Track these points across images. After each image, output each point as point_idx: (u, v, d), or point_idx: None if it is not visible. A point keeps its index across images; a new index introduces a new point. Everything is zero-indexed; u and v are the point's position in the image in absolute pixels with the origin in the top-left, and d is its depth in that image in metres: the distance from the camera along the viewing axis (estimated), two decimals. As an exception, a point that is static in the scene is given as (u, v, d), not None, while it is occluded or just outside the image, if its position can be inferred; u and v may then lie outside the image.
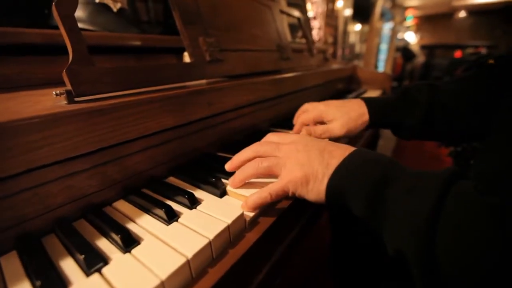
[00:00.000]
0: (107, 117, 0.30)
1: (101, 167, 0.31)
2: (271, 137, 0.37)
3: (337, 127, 0.48)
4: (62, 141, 0.26)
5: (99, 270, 0.22)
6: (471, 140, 0.52)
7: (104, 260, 0.23)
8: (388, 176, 0.26)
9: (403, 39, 5.55)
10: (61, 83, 0.31)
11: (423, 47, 5.56)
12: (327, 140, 0.35)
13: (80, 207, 0.30)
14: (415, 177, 0.26)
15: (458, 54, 5.83)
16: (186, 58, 0.53)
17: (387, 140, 2.18)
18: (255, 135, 0.52)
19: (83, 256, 0.22)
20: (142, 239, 0.25)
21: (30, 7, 0.56)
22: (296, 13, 0.93)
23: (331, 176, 0.28)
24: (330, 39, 2.55)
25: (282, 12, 0.82)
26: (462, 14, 6.99)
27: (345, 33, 2.84)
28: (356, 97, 1.04)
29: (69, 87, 0.30)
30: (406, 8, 7.06)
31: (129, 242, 0.24)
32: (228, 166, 0.36)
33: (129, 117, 0.32)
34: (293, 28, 1.30)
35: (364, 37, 3.37)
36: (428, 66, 5.78)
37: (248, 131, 0.56)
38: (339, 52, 2.74)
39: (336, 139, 0.49)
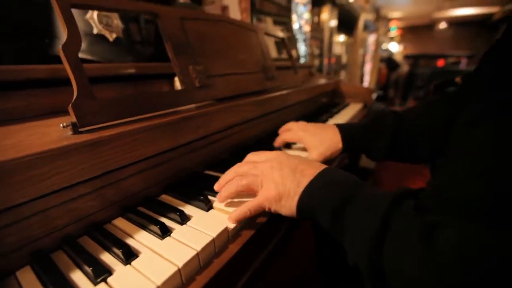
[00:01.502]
0: (109, 146, 0.34)
1: (101, 190, 0.36)
2: (250, 156, 0.42)
3: (315, 157, 0.53)
4: (69, 169, 0.31)
5: (105, 280, 0.26)
6: (436, 159, 0.57)
7: (108, 271, 0.27)
8: (350, 195, 0.31)
9: (387, 50, 5.76)
10: (65, 112, 0.36)
11: (407, 57, 5.79)
12: (300, 157, 0.40)
13: (84, 226, 0.34)
14: (371, 196, 0.30)
15: (440, 63, 6.09)
16: (177, 82, 0.59)
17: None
18: (241, 152, 0.57)
19: (91, 268, 0.26)
20: (140, 252, 0.30)
21: (31, 36, 0.60)
22: (280, 34, 1.00)
23: (301, 194, 0.33)
24: (317, 51, 2.65)
25: (267, 34, 0.89)
26: (443, 25, 7.33)
27: (331, 44, 2.95)
28: (343, 108, 1.10)
29: (74, 119, 0.35)
30: (389, 19, 7.35)
31: (129, 255, 0.29)
32: (216, 187, 0.41)
33: (127, 145, 0.37)
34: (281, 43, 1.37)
35: (350, 48, 3.51)
36: (411, 76, 6.01)
37: (234, 149, 0.61)
38: (326, 61, 2.85)
39: None
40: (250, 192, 0.39)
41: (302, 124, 0.60)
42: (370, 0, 4.36)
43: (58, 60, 0.52)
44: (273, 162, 0.38)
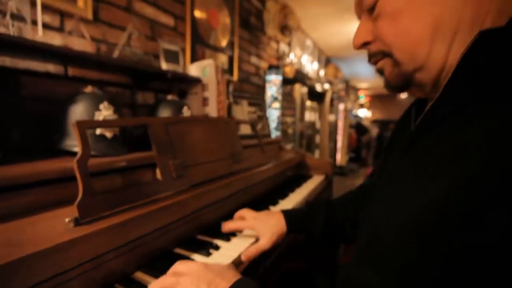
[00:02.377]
0: (104, 235, 0.46)
1: (88, 273, 0.46)
2: (177, 266, 0.47)
3: (265, 243, 0.62)
4: (75, 253, 0.42)
5: None
6: None
7: None
8: None
9: (357, 116, 6.41)
10: (68, 202, 0.48)
11: (373, 122, 6.43)
12: (220, 268, 0.46)
13: None
14: None
15: (405, 127, 6.78)
16: (158, 172, 0.73)
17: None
18: (211, 229, 0.69)
19: None
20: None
21: (42, 132, 0.75)
22: (249, 118, 1.21)
23: None
24: (291, 120, 2.97)
25: (237, 123, 1.09)
26: (404, 95, 8.38)
27: (303, 111, 3.31)
28: (305, 182, 1.24)
29: (77, 215, 0.47)
30: (358, 89, 8.35)
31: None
32: None
33: (117, 233, 0.49)
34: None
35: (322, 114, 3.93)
36: (381, 138, 6.60)
37: (204, 227, 0.73)
38: (299, 126, 3.15)
39: None
40: None
41: (253, 213, 0.70)
42: (339, 74, 5.07)
43: (64, 153, 0.66)
44: (193, 277, 0.43)
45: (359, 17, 0.43)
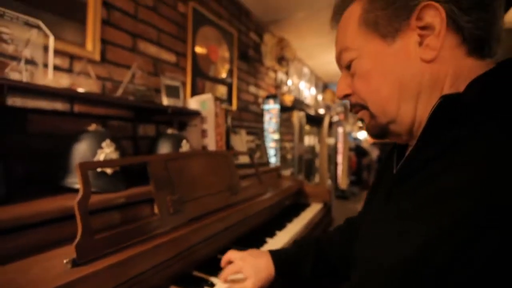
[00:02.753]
0: (101, 276, 0.48)
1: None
2: None
3: (250, 286, 0.60)
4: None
5: None
6: None
7: None
8: None
9: (357, 138, 6.47)
10: (67, 241, 0.49)
11: (373, 144, 6.47)
12: None
13: None
14: None
15: (405, 149, 6.80)
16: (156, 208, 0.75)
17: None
18: (207, 265, 0.70)
19: None
20: None
21: (46, 169, 0.78)
22: (248, 147, 1.24)
23: None
24: (289, 145, 3.01)
25: (235, 154, 1.12)
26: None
27: (302, 136, 3.35)
28: (303, 211, 1.24)
29: (75, 256, 0.49)
30: (357, 112, 8.47)
31: None
32: None
33: (114, 273, 0.50)
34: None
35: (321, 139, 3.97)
36: (381, 160, 6.60)
37: (200, 263, 0.74)
38: (298, 151, 3.18)
39: None
40: None
41: (240, 254, 0.66)
42: (336, 99, 5.19)
43: (67, 190, 0.69)
44: None
45: (341, 70, 0.48)
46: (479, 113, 0.31)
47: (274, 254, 0.66)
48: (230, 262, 0.66)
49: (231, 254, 0.66)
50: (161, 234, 0.65)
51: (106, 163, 0.64)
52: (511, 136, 0.28)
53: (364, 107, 0.44)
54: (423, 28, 0.37)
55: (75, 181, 0.72)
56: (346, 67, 0.45)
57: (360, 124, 8.31)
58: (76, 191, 0.71)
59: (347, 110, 7.53)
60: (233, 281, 0.64)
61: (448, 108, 0.34)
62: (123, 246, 0.56)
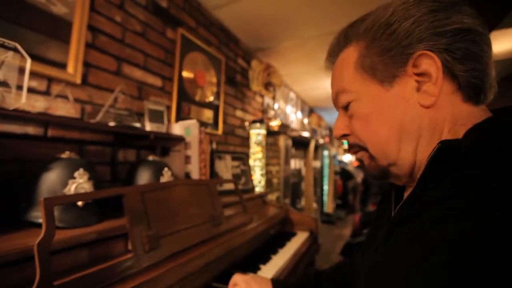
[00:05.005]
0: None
1: None
2: None
3: None
4: None
5: None
6: None
7: None
8: None
9: (342, 161, 6.56)
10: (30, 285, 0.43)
11: (358, 167, 6.58)
12: None
13: None
14: None
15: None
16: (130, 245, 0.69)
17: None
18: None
19: None
20: None
21: (10, 199, 0.71)
22: (233, 173, 1.21)
23: None
24: (275, 169, 2.99)
25: (218, 183, 1.09)
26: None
27: (288, 159, 3.35)
28: (288, 240, 1.17)
29: (29, 309, 0.42)
30: (341, 135, 8.68)
31: None
32: None
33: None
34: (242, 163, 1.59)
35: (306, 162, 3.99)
36: (366, 183, 6.68)
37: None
38: (283, 175, 3.16)
39: None
40: None
41: (245, 278, 0.67)
42: (322, 123, 5.31)
43: (30, 225, 0.62)
44: None
45: (337, 110, 0.48)
46: (477, 160, 0.31)
47: (275, 283, 0.66)
48: (235, 285, 0.67)
49: (237, 278, 0.67)
50: (134, 275, 0.59)
51: (76, 197, 0.59)
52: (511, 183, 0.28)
53: (363, 148, 0.44)
54: (419, 74, 0.38)
55: (40, 215, 0.66)
56: (344, 107, 0.45)
57: (345, 147, 8.48)
58: (41, 226, 0.64)
59: (332, 133, 7.70)
60: None
61: (446, 154, 0.34)
62: (88, 292, 0.50)
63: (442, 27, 0.36)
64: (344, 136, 0.47)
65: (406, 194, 0.47)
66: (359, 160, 0.46)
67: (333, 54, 0.48)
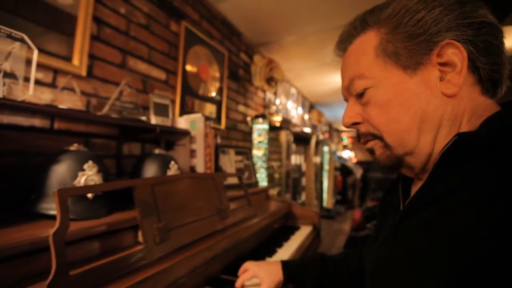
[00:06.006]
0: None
1: None
2: None
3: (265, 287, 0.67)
4: None
5: None
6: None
7: None
8: None
9: (341, 157, 6.58)
10: (40, 276, 0.44)
11: (357, 163, 6.60)
12: None
13: None
14: None
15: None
16: (141, 237, 0.69)
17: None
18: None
19: None
20: None
21: (19, 189, 0.71)
22: (236, 168, 1.21)
23: None
24: (276, 164, 2.99)
25: (224, 176, 1.09)
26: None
27: (289, 155, 3.36)
28: (292, 234, 1.19)
29: (46, 298, 0.43)
30: (341, 132, 8.71)
31: None
32: None
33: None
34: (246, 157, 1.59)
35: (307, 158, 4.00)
36: (365, 179, 6.71)
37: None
38: (285, 170, 3.17)
39: None
40: None
41: (255, 262, 0.73)
42: (322, 119, 5.31)
43: (40, 216, 0.62)
44: None
45: (346, 100, 0.47)
46: (492, 152, 0.32)
47: (284, 263, 0.72)
48: (245, 271, 0.72)
49: (247, 264, 0.73)
50: (145, 266, 0.59)
51: (89, 188, 0.59)
52: None
53: (377, 136, 0.42)
54: (442, 64, 0.38)
55: (50, 206, 0.66)
56: (358, 95, 0.43)
57: (344, 143, 8.50)
58: (50, 217, 0.64)
59: (332, 129, 7.71)
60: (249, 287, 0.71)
61: (461, 146, 0.35)
62: (102, 282, 0.51)
63: (469, 18, 0.36)
64: (355, 124, 0.45)
65: (413, 187, 0.47)
66: (369, 150, 0.45)
67: (346, 40, 0.46)
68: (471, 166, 0.33)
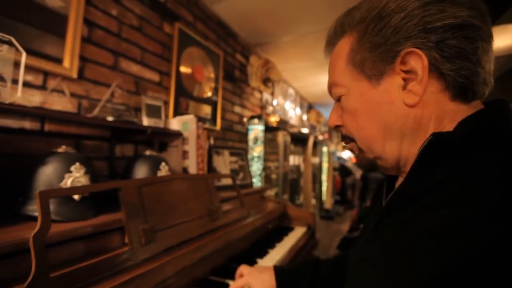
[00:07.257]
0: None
1: None
2: None
3: None
4: None
5: None
6: None
7: None
8: None
9: (341, 157, 6.57)
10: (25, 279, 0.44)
11: (355, 164, 6.58)
12: None
13: None
14: None
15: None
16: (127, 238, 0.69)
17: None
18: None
19: None
20: None
21: (6, 191, 0.71)
22: (231, 168, 1.21)
23: None
24: (274, 165, 2.99)
25: (216, 177, 1.09)
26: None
27: (286, 155, 3.36)
28: (286, 235, 1.19)
29: (24, 300, 0.43)
30: (340, 132, 8.69)
31: None
32: None
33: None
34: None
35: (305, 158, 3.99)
36: (365, 179, 6.69)
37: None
38: (282, 171, 3.17)
39: None
40: None
41: (249, 269, 0.71)
42: (321, 119, 5.31)
43: (27, 218, 0.62)
44: None
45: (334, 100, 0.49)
46: (468, 151, 0.32)
47: (276, 269, 0.70)
48: (241, 275, 0.71)
49: (243, 269, 0.71)
50: (131, 268, 0.59)
51: (71, 190, 0.59)
52: (502, 174, 0.29)
53: (353, 140, 0.45)
54: (407, 72, 0.37)
55: (36, 208, 0.65)
56: (336, 99, 0.46)
57: (343, 143, 8.49)
58: (37, 219, 0.64)
59: (331, 130, 7.69)
60: None
61: (437, 146, 0.35)
62: (84, 284, 0.50)
63: (432, 22, 0.34)
64: (337, 126, 0.48)
65: (397, 185, 0.47)
66: (350, 150, 0.48)
67: (330, 44, 0.48)
68: (449, 164, 0.33)
